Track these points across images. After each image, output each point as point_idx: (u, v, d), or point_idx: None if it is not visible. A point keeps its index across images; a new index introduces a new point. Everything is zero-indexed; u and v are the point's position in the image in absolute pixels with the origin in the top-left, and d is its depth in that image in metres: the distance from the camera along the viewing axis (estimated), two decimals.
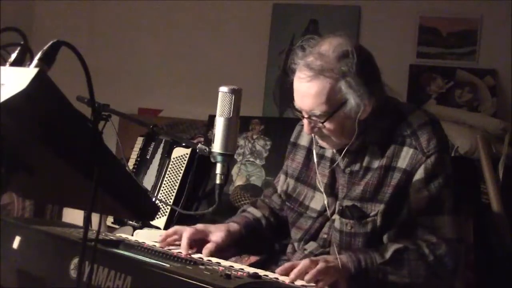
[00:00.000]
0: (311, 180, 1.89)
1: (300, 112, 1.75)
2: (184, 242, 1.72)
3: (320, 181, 1.85)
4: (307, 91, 1.69)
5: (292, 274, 1.50)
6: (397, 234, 1.73)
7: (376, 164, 1.76)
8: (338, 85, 1.67)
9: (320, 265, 1.53)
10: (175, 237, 1.77)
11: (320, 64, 1.67)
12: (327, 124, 1.70)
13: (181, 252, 1.66)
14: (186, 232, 1.75)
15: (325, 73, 1.66)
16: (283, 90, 4.18)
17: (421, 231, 1.71)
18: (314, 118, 1.71)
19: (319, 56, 1.68)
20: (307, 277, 1.50)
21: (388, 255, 1.66)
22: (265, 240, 1.96)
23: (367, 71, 1.71)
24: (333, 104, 1.68)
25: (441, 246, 1.69)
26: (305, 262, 1.53)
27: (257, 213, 2.00)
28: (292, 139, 2.00)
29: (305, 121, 1.74)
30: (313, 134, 1.83)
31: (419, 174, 1.71)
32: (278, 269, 1.54)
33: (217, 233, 1.81)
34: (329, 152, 1.86)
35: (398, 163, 1.73)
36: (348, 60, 1.67)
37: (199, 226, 1.83)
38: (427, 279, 1.67)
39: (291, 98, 1.76)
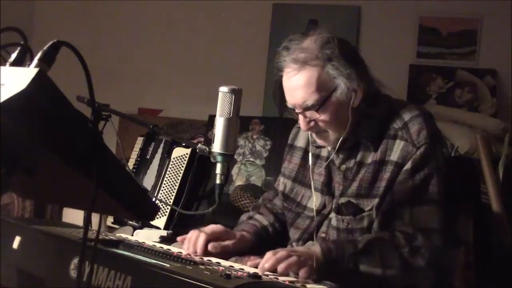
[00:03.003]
0: (308, 180, 1.90)
1: (294, 109, 1.76)
2: (200, 244, 1.73)
3: (317, 180, 1.86)
4: (296, 84, 1.72)
5: (259, 271, 1.51)
6: (380, 224, 1.73)
7: (369, 159, 1.77)
8: (325, 70, 1.70)
9: (292, 258, 1.53)
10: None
11: (303, 56, 1.71)
12: (321, 114, 1.71)
13: (181, 252, 1.66)
14: (203, 236, 1.75)
15: (309, 62, 1.70)
16: (283, 90, 4.17)
17: (399, 222, 1.71)
18: (308, 110, 1.72)
19: (302, 50, 1.72)
20: (279, 269, 1.50)
21: (360, 245, 1.66)
22: (272, 247, 1.97)
23: (350, 54, 1.75)
24: (324, 91, 1.71)
25: (417, 237, 1.68)
26: (272, 256, 1.53)
27: (263, 220, 2.00)
28: (289, 141, 2.02)
29: (300, 117, 1.76)
30: (309, 133, 1.84)
31: (407, 165, 1.72)
32: (250, 263, 1.58)
33: (233, 240, 1.82)
34: (324, 152, 1.88)
35: (391, 156, 1.74)
36: (330, 45, 1.71)
37: (217, 227, 1.83)
38: (401, 270, 1.66)
39: (285, 101, 1.78)
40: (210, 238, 1.76)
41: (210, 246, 1.74)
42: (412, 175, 1.72)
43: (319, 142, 1.83)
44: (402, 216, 1.71)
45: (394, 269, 1.66)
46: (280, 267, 1.50)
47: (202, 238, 1.74)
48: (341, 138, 1.76)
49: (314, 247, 1.64)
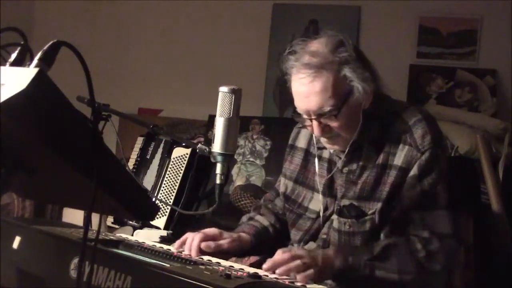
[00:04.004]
0: (309, 181, 1.89)
1: (303, 116, 1.73)
2: (194, 244, 1.71)
3: (319, 182, 1.85)
4: (311, 89, 1.67)
5: (266, 265, 1.52)
6: (391, 231, 1.72)
7: (372, 162, 1.76)
8: (342, 73, 1.66)
9: (295, 263, 1.53)
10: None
11: (318, 60, 1.66)
12: (338, 119, 1.69)
13: (181, 252, 1.66)
14: (198, 236, 1.74)
15: (325, 67, 1.66)
16: (283, 90, 4.18)
17: (413, 227, 1.71)
18: (324, 116, 1.69)
19: (314, 54, 1.68)
20: (278, 271, 1.51)
21: (376, 250, 1.66)
22: (272, 248, 1.96)
23: (362, 57, 1.73)
24: (341, 95, 1.67)
25: (433, 241, 1.68)
26: (282, 256, 1.55)
27: (264, 221, 1.99)
28: (290, 142, 2.00)
29: (314, 123, 1.71)
30: (312, 135, 1.82)
31: (413, 171, 1.71)
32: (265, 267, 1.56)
33: (227, 239, 1.81)
34: (326, 153, 1.86)
35: (394, 160, 1.73)
36: (345, 47, 1.68)
37: (212, 229, 1.81)
38: (417, 275, 1.66)
39: (292, 105, 1.75)
40: (205, 239, 1.75)
41: (203, 245, 1.72)
42: (419, 181, 1.71)
43: (329, 146, 1.81)
44: (415, 222, 1.71)
45: (411, 274, 1.66)
46: (279, 270, 1.50)
47: (196, 239, 1.73)
48: (351, 141, 1.74)
49: (329, 254, 1.64)
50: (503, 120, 3.54)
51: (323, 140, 1.79)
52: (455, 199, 1.77)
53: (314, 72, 1.66)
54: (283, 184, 1.97)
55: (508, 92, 3.84)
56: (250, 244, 1.88)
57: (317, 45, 1.70)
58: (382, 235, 1.73)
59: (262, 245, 1.91)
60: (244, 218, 2.04)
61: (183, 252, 1.69)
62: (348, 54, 1.67)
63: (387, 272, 1.65)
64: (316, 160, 1.85)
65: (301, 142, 1.96)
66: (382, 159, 1.75)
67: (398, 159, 1.73)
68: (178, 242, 1.75)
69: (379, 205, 1.72)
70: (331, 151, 1.83)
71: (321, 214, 1.82)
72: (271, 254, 1.97)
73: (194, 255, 1.68)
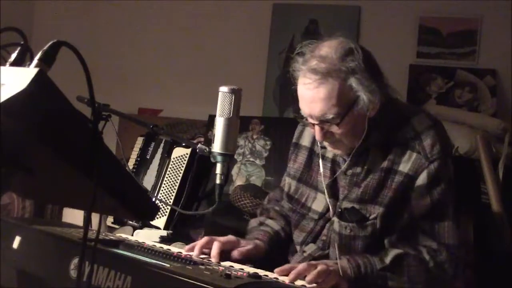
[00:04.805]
0: (313, 181, 1.88)
1: (307, 119, 1.72)
2: (214, 251, 1.68)
3: (321, 182, 1.83)
4: (316, 96, 1.65)
5: (292, 275, 1.49)
6: (398, 239, 1.72)
7: (377, 166, 1.74)
8: (348, 83, 1.64)
9: (321, 267, 1.53)
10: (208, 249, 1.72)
11: (325, 66, 1.64)
12: (340, 127, 1.67)
13: (181, 252, 1.66)
14: (218, 242, 1.71)
15: (332, 74, 1.63)
16: (283, 90, 4.19)
17: (422, 237, 1.71)
18: (326, 122, 1.68)
19: (322, 59, 1.65)
20: (308, 277, 1.49)
21: (388, 260, 1.65)
22: (284, 251, 1.94)
23: (372, 66, 1.70)
24: (345, 104, 1.65)
25: (442, 252, 1.68)
26: (304, 265, 1.54)
27: (275, 225, 1.96)
28: (294, 140, 1.98)
29: (316, 128, 1.71)
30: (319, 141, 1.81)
31: (422, 180, 1.70)
32: (277, 269, 1.54)
33: (245, 247, 1.78)
34: (330, 153, 1.84)
35: (400, 166, 1.72)
36: (354, 57, 1.65)
37: (231, 237, 1.79)
38: (427, 285, 1.66)
39: (297, 107, 1.73)
40: (224, 248, 1.72)
41: (235, 253, 1.71)
42: (429, 191, 1.70)
43: (333, 150, 1.80)
44: (423, 232, 1.71)
45: (421, 284, 1.66)
46: (308, 278, 1.49)
47: (216, 247, 1.69)
48: (356, 147, 1.73)
49: (341, 262, 1.63)
50: (503, 120, 3.53)
51: (325, 143, 1.78)
52: (455, 199, 1.77)
53: (320, 79, 1.64)
54: (287, 183, 1.96)
55: (508, 92, 3.84)
56: (264, 251, 1.84)
57: (327, 49, 1.67)
58: (386, 242, 1.73)
59: (275, 251, 1.89)
60: (254, 223, 2.00)
61: (183, 252, 1.69)
62: (357, 63, 1.64)
63: (399, 283, 1.64)
64: (320, 160, 1.84)
65: (305, 141, 1.94)
66: (387, 164, 1.73)
67: (405, 166, 1.71)
68: (197, 248, 1.70)
69: (381, 209, 1.71)
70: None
71: (330, 215, 1.81)
72: (282, 257, 1.94)
73: (215, 262, 1.65)
